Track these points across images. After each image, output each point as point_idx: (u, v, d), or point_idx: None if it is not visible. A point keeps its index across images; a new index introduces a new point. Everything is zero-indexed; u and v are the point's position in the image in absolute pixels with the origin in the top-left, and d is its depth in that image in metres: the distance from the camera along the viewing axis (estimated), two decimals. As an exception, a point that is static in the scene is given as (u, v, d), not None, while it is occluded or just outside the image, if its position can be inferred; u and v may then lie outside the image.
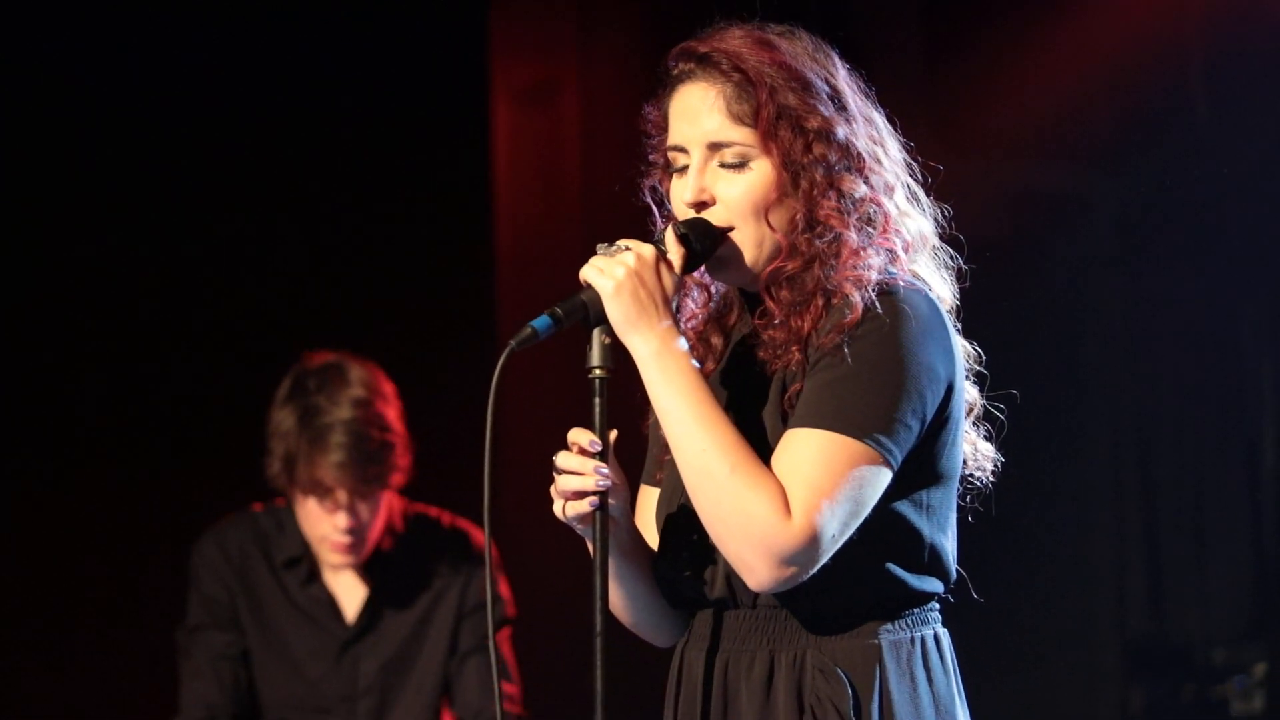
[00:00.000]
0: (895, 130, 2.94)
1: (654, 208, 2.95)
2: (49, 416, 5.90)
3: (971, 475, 2.97)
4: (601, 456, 2.77)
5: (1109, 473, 5.14)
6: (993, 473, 2.98)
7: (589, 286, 2.78)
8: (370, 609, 4.84)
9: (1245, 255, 4.96)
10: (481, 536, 4.87)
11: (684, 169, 2.85)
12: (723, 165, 2.83)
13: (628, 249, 2.78)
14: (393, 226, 5.96)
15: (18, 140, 5.78)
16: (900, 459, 2.73)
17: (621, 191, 2.97)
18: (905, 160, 2.93)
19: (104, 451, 5.92)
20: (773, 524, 2.66)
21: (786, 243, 2.81)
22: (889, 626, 2.81)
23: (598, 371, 2.79)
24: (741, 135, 2.82)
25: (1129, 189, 5.15)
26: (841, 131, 2.82)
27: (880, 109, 2.93)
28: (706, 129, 2.83)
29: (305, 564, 4.83)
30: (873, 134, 2.87)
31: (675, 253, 2.81)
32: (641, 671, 3.33)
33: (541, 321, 2.77)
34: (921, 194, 2.93)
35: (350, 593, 4.85)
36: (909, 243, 2.86)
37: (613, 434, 2.80)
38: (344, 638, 4.83)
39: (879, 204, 2.83)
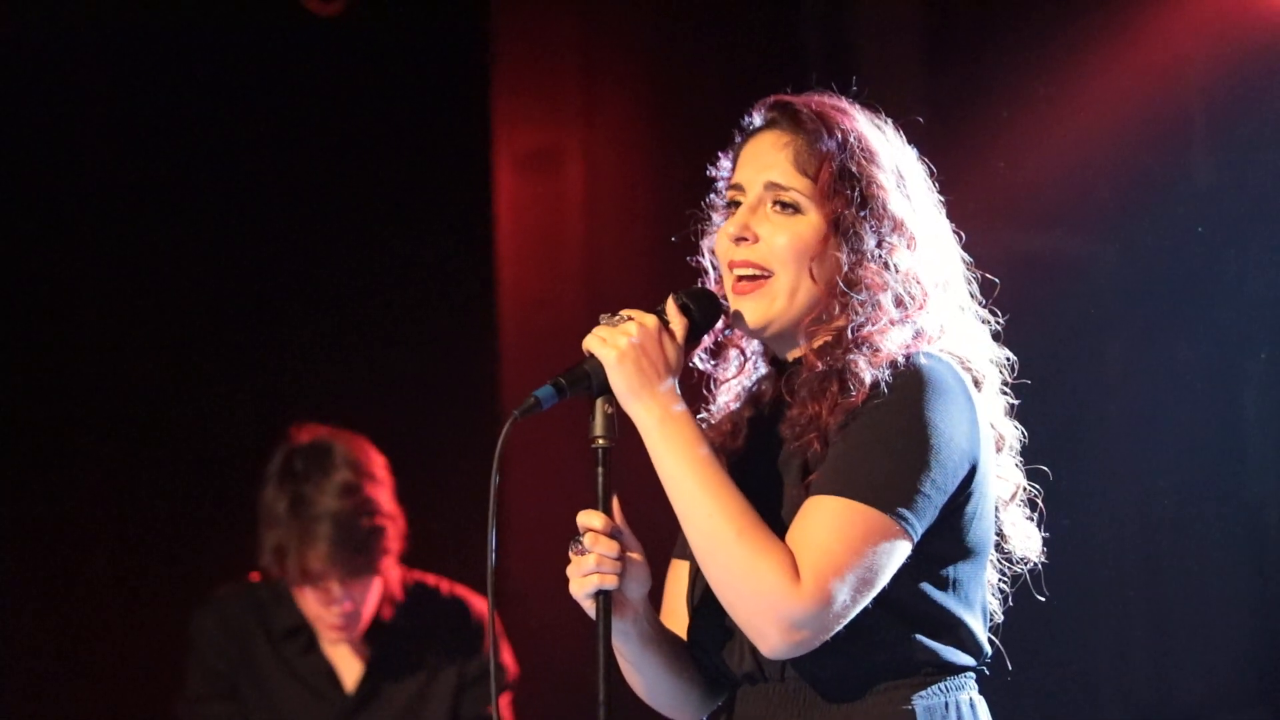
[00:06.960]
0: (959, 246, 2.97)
1: (712, 270, 2.96)
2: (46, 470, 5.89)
3: (1020, 561, 2.97)
4: (616, 537, 2.79)
5: (1110, 540, 5.12)
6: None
7: (592, 356, 2.79)
8: (370, 678, 4.83)
9: (1245, 321, 4.97)
10: (481, 604, 4.88)
11: (737, 206, 2.88)
12: (775, 206, 2.86)
13: (630, 319, 2.80)
14: (395, 294, 5.97)
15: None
16: (920, 530, 2.72)
17: (627, 257, 2.99)
18: (965, 274, 2.96)
19: (103, 511, 5.90)
20: (780, 588, 2.66)
21: (824, 296, 2.83)
22: (923, 693, 2.79)
23: (600, 441, 2.80)
24: (801, 185, 2.84)
25: (1128, 254, 5.16)
26: (898, 205, 2.85)
27: (950, 224, 2.97)
28: (769, 170, 2.86)
29: (304, 634, 4.83)
30: (932, 227, 2.90)
31: (677, 322, 2.83)
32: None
33: (545, 391, 2.78)
34: (973, 305, 2.96)
35: (350, 662, 4.84)
36: (939, 329, 2.86)
37: (615, 503, 2.81)
38: (344, 707, 4.82)
39: (920, 283, 2.85)
